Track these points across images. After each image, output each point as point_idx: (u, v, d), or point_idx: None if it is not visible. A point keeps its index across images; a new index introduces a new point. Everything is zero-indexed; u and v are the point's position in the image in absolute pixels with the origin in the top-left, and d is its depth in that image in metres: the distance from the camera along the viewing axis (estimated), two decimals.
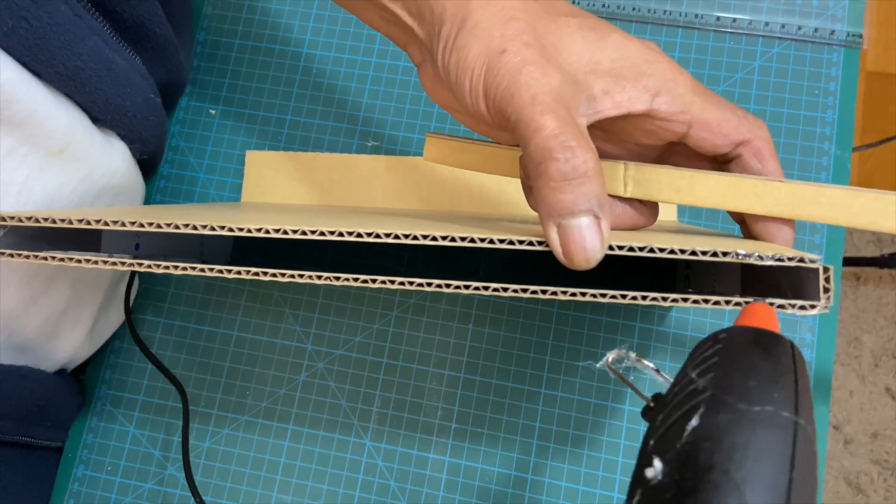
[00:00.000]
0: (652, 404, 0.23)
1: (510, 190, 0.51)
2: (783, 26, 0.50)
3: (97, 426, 0.49)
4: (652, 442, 0.21)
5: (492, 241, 0.26)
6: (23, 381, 0.41)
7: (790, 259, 0.24)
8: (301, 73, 0.54)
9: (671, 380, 0.24)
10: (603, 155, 0.33)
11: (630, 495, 0.20)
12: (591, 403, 0.47)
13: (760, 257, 0.24)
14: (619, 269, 0.29)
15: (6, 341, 0.40)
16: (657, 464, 0.20)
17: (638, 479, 0.21)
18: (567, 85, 0.27)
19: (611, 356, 0.27)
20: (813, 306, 0.24)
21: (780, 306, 0.25)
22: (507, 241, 0.26)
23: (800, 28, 0.50)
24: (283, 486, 0.47)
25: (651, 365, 0.25)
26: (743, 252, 0.24)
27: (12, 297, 0.38)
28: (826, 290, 0.24)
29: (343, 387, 0.49)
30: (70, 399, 0.48)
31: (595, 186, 0.26)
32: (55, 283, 0.41)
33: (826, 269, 0.24)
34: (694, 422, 0.20)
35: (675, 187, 0.30)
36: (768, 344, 0.22)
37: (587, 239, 0.26)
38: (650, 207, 0.32)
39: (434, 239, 0.26)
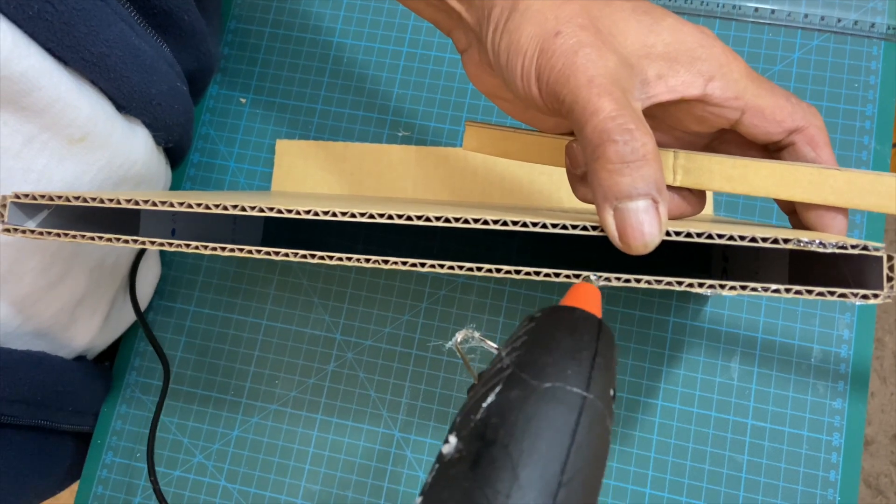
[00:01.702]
0: (476, 382, 0.23)
1: (542, 181, 0.51)
2: (822, 18, 0.49)
3: (126, 413, 0.49)
4: (458, 419, 0.22)
5: (545, 226, 0.25)
6: (37, 366, 0.41)
7: (854, 247, 0.24)
8: (332, 62, 0.54)
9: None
10: None
11: (430, 471, 0.21)
12: (622, 398, 0.46)
13: (823, 244, 0.24)
14: (649, 260, 0.28)
15: (21, 327, 0.40)
16: (452, 440, 0.21)
17: (438, 455, 0.21)
18: (623, 68, 0.27)
19: (459, 336, 0.27)
20: (875, 295, 0.24)
21: (842, 295, 0.24)
22: (560, 226, 0.25)
23: (839, 20, 0.49)
24: (311, 476, 0.47)
25: (494, 346, 0.25)
26: (805, 240, 0.24)
27: (29, 284, 0.38)
28: (889, 280, 0.24)
29: (372, 377, 0.48)
30: (91, 385, 0.47)
31: (654, 170, 0.25)
32: (72, 271, 0.41)
33: (890, 258, 0.24)
34: (490, 398, 0.21)
35: (727, 176, 0.29)
36: (574, 321, 0.23)
37: (645, 223, 0.25)
38: (698, 196, 0.32)
39: (489, 223, 0.25)
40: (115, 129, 0.38)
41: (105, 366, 0.50)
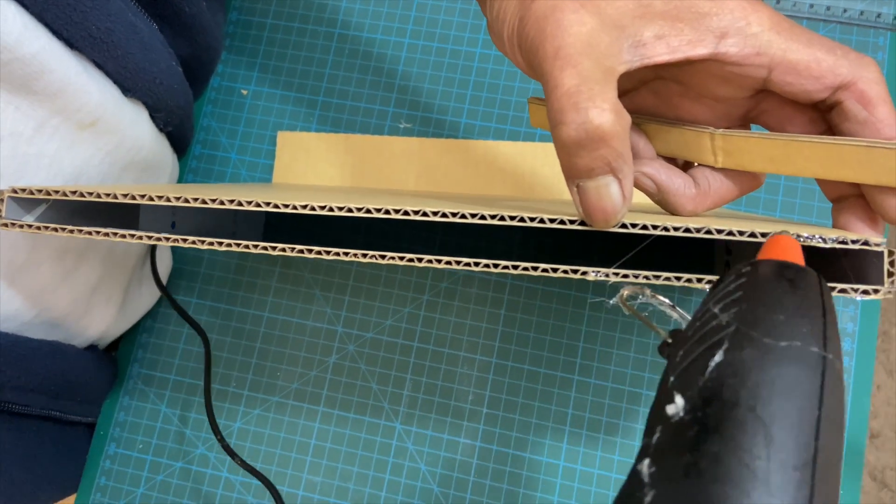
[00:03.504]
0: (670, 340, 0.22)
1: (544, 173, 0.50)
2: (828, 8, 0.49)
3: (129, 404, 0.49)
4: (672, 378, 0.20)
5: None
6: (53, 356, 0.41)
7: (854, 242, 0.23)
8: (333, 54, 0.54)
9: (688, 317, 0.23)
10: (682, 112, 0.31)
11: (649, 432, 0.20)
12: (624, 391, 0.46)
13: (823, 239, 0.24)
14: (651, 255, 0.28)
15: (38, 317, 0.40)
16: (678, 400, 0.20)
17: (658, 415, 0.20)
18: (603, 32, 0.25)
19: (625, 291, 0.26)
20: (876, 291, 0.24)
21: (843, 290, 0.24)
22: (558, 221, 0.25)
23: (845, 10, 0.49)
24: (313, 468, 0.47)
25: (667, 301, 0.24)
26: (805, 234, 0.24)
27: (44, 274, 0.38)
28: (890, 275, 0.23)
29: (374, 370, 0.48)
30: (101, 375, 0.48)
31: (610, 149, 0.24)
32: (86, 259, 0.41)
33: (891, 253, 0.24)
34: (718, 357, 0.20)
35: (769, 157, 0.27)
36: (794, 277, 0.21)
37: (604, 200, 0.25)
38: (748, 174, 0.30)
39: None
40: (124, 114, 0.39)
41: (113, 355, 0.51)
